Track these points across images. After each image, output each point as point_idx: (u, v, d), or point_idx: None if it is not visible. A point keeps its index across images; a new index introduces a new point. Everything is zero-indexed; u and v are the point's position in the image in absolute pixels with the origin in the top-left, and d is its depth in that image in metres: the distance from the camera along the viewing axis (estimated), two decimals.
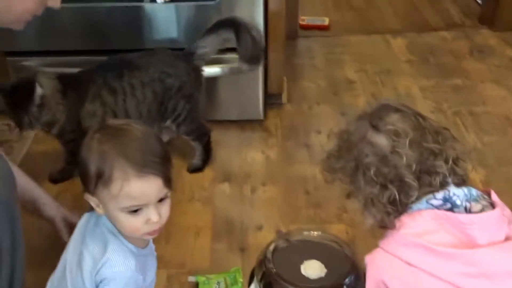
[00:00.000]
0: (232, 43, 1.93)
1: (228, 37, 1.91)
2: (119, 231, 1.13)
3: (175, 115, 1.90)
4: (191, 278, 1.56)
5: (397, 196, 1.05)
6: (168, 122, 1.92)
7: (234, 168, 2.05)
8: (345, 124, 1.18)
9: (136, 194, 1.06)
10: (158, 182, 1.07)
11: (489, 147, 2.13)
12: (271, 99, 2.37)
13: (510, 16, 2.93)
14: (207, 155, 2.03)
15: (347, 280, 1.48)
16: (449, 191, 1.05)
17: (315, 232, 1.64)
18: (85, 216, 1.21)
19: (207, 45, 1.93)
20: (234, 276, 1.56)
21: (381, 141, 1.07)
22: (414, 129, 1.07)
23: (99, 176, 1.05)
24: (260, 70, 2.18)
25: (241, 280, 1.55)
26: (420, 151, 1.05)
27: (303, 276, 1.50)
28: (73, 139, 1.82)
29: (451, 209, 1.04)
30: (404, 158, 1.04)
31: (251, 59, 1.94)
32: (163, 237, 1.70)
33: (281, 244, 1.59)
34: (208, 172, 2.02)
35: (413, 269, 1.00)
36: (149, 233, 1.13)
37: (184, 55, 1.93)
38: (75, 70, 1.91)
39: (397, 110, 1.10)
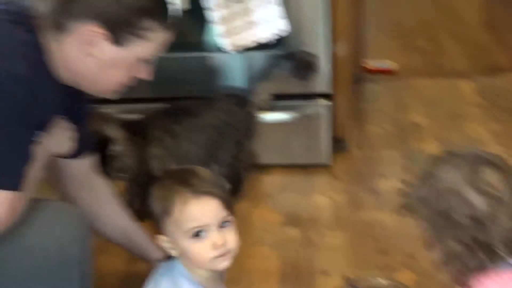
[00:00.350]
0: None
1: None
2: (191, 274, 1.20)
3: (221, 160, 1.95)
4: None
5: (484, 262, 1.01)
6: (213, 165, 1.96)
7: (301, 213, 2.08)
8: (432, 161, 1.11)
9: (196, 215, 1.16)
10: (215, 203, 1.17)
11: None
12: (337, 144, 2.40)
13: None
14: (235, 198, 2.01)
15: None
16: None
17: (383, 280, 1.64)
18: (161, 265, 1.28)
19: (262, 91, 2.00)
20: None
21: (479, 203, 1.00)
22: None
23: (164, 210, 1.17)
24: (327, 114, 2.22)
25: None
26: None
27: None
28: (144, 182, 1.91)
29: None
30: (501, 229, 1.00)
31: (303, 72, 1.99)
32: (233, 281, 1.74)
33: None
34: (275, 216, 2.07)
35: None
36: (218, 259, 1.19)
37: (240, 102, 2.00)
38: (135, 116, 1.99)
39: (494, 166, 1.04)
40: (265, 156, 2.31)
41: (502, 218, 1.00)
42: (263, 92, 2.00)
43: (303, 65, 2.00)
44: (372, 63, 3.16)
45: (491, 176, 1.02)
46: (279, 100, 2.19)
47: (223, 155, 1.96)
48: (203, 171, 1.25)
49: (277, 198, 2.17)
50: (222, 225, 1.19)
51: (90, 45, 1.17)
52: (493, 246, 1.00)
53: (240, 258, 1.87)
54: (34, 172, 1.23)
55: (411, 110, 2.71)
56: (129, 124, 1.93)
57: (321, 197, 2.16)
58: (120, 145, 1.85)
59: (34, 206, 1.23)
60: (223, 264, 1.20)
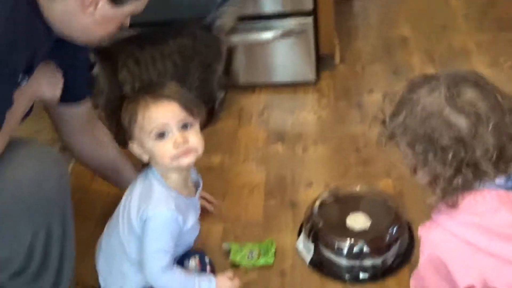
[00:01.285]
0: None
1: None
2: (163, 178, 1.33)
3: (189, 82, 2.00)
4: (225, 245, 1.66)
5: (470, 179, 1.02)
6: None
7: (286, 129, 2.14)
8: (408, 87, 1.10)
9: (156, 116, 1.27)
10: (174, 105, 1.28)
11: None
12: (323, 61, 2.42)
13: None
14: (209, 119, 2.09)
15: (390, 231, 1.56)
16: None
17: (363, 187, 1.72)
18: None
19: (225, 14, 2.02)
20: (267, 246, 1.65)
21: (461, 122, 1.00)
22: (494, 110, 1.01)
23: (130, 118, 1.29)
24: (311, 33, 2.23)
25: (273, 250, 1.63)
26: (500, 137, 1.00)
27: (348, 228, 1.60)
28: (117, 107, 1.97)
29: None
30: (484, 145, 1.00)
31: None
32: (220, 194, 1.83)
33: (328, 199, 1.69)
34: (261, 133, 2.12)
35: (472, 247, 1.01)
36: (180, 157, 1.29)
37: (204, 27, 2.02)
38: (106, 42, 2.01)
39: (476, 85, 1.04)
40: (251, 76, 2.35)
41: (484, 135, 1.00)
42: (228, 15, 2.02)
43: None
44: None
45: (469, 95, 1.02)
46: (263, 19, 2.21)
47: (190, 79, 2.01)
48: (169, 83, 1.36)
49: (263, 116, 2.22)
50: (183, 126, 1.29)
51: (91, 6, 1.19)
52: (478, 163, 1.00)
53: (226, 174, 1.97)
54: (16, 114, 1.26)
55: (398, 24, 2.70)
56: (100, 50, 1.97)
57: (307, 113, 2.21)
58: (95, 70, 1.90)
59: (11, 145, 1.23)
60: (185, 161, 1.30)
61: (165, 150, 1.28)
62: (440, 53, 2.42)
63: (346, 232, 1.58)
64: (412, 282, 1.17)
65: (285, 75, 2.33)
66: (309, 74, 2.32)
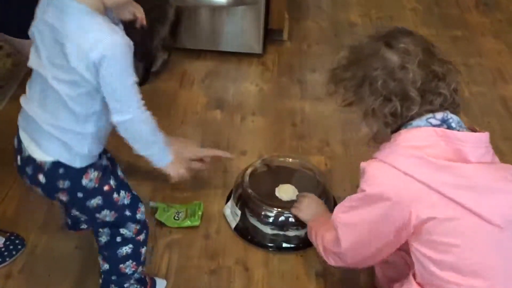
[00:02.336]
0: None
1: None
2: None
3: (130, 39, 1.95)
4: (152, 204, 1.65)
5: (399, 109, 1.11)
6: None
7: (227, 97, 2.13)
8: (357, 40, 1.22)
9: None
10: None
11: (476, 97, 2.19)
12: (272, 35, 2.43)
13: None
14: (145, 77, 2.11)
15: None
16: (447, 114, 1.12)
17: (292, 159, 1.74)
18: None
19: None
20: (194, 208, 1.65)
21: (392, 57, 1.12)
22: (424, 51, 1.12)
23: None
24: (262, 4, 2.22)
25: (199, 213, 1.64)
26: (426, 71, 1.11)
27: (277, 197, 1.62)
28: None
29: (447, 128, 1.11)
30: (411, 74, 1.10)
31: None
32: None
33: (259, 168, 1.70)
34: (202, 99, 2.11)
35: (408, 178, 1.07)
36: None
37: None
38: None
39: (410, 34, 1.16)
40: (198, 41, 2.33)
41: (412, 67, 1.10)
42: None
43: None
44: None
45: (404, 38, 1.14)
46: None
47: (132, 35, 1.96)
48: None
49: (206, 82, 2.20)
50: None
51: None
52: (406, 90, 1.10)
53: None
54: None
55: (349, 10, 2.73)
56: None
57: (249, 84, 2.21)
58: None
59: None
60: None
61: None
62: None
63: (274, 201, 1.60)
64: (339, 214, 1.23)
65: (232, 44, 2.32)
66: (255, 46, 2.32)
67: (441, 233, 1.07)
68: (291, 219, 1.55)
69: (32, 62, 1.16)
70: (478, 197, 1.06)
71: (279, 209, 1.56)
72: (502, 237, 1.07)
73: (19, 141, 1.22)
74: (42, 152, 1.18)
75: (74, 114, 1.14)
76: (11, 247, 1.51)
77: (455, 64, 1.17)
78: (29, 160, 1.20)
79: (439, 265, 1.08)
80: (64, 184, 1.20)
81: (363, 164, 1.16)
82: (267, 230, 1.57)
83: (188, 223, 1.62)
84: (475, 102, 2.15)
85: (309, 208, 1.51)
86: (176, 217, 1.63)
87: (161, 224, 1.60)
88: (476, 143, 1.10)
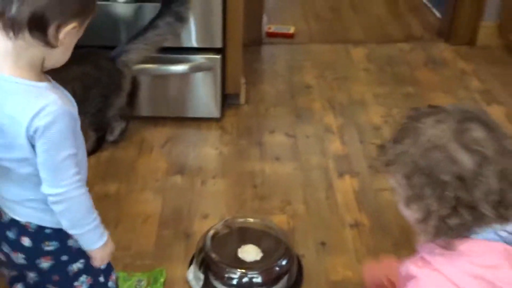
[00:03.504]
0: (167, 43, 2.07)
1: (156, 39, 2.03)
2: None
3: (85, 109, 1.95)
4: None
5: (468, 223, 0.95)
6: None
7: (187, 162, 2.14)
8: (413, 114, 1.03)
9: None
10: None
11: None
12: (229, 100, 2.47)
13: (464, 31, 3.07)
14: (97, 146, 2.13)
15: (280, 263, 1.59)
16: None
17: (253, 219, 1.74)
18: None
19: (133, 50, 2.04)
20: (156, 276, 1.62)
21: (465, 160, 0.93)
22: (502, 154, 0.95)
23: None
24: (218, 70, 2.28)
25: (162, 280, 1.61)
26: (503, 180, 0.94)
27: (240, 259, 1.60)
28: None
29: None
30: (487, 186, 0.93)
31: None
32: (113, 222, 1.79)
33: (221, 230, 1.69)
34: (162, 165, 2.11)
35: None
36: None
37: (111, 58, 2.03)
38: None
39: (481, 122, 0.97)
40: (156, 108, 2.36)
41: (489, 178, 0.93)
42: (136, 52, 2.04)
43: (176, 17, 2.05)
44: (274, 28, 3.26)
45: (478, 133, 0.96)
46: (173, 52, 2.24)
47: (87, 107, 1.99)
48: None
49: (165, 148, 2.21)
50: None
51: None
52: (477, 205, 0.94)
53: (121, 202, 1.93)
54: None
55: (304, 72, 2.82)
56: None
57: (209, 148, 2.23)
58: None
59: None
60: None
61: None
62: (340, 101, 2.55)
63: (237, 263, 1.58)
64: None
65: (190, 110, 2.36)
66: (214, 111, 2.36)
67: None
68: (255, 280, 1.54)
69: None
70: None
71: (243, 271, 1.55)
72: None
73: None
74: (22, 215, 1.14)
75: (32, 183, 1.11)
76: None
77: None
78: (11, 223, 1.15)
79: None
80: (50, 245, 1.15)
81: (412, 268, 0.99)
82: None
83: None
84: None
85: None
86: (137, 286, 1.59)
87: None
88: None
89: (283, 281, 1.58)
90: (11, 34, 1.02)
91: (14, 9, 0.99)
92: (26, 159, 1.08)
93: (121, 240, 1.72)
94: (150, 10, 2.12)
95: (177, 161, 2.14)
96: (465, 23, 3.07)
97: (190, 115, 2.36)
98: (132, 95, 2.22)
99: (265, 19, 3.18)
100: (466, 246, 0.96)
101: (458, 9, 3.04)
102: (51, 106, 1.04)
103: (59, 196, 1.09)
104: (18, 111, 1.04)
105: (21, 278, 1.30)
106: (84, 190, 1.11)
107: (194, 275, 1.61)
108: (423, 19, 3.49)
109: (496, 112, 2.50)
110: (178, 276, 1.65)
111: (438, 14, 3.42)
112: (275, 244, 1.64)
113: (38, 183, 1.09)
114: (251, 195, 1.98)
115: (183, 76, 2.28)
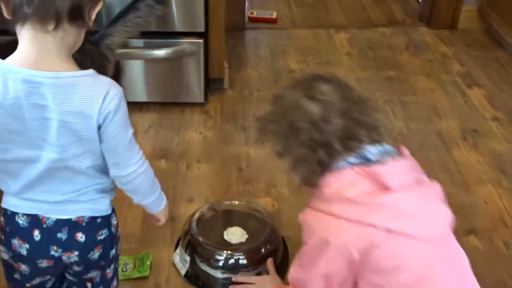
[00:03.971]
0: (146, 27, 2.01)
1: (137, 20, 2.01)
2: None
3: None
4: None
5: (324, 159, 1.15)
6: None
7: (171, 146, 2.14)
8: (279, 91, 1.27)
9: None
10: None
11: (413, 132, 2.28)
12: (213, 84, 2.47)
13: (445, 15, 3.10)
14: None
15: (265, 244, 1.60)
16: (365, 150, 1.16)
17: (238, 202, 1.75)
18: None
19: (115, 33, 2.02)
20: (142, 258, 1.63)
21: (314, 109, 1.15)
22: (345, 99, 1.16)
23: None
24: (201, 55, 2.28)
25: (148, 263, 1.62)
26: (347, 121, 1.15)
27: (226, 241, 1.61)
28: None
29: (366, 164, 1.15)
30: (333, 126, 1.14)
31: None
32: None
33: (206, 213, 1.70)
34: (145, 150, 2.08)
35: (340, 220, 1.12)
36: None
37: (94, 42, 2.01)
38: None
39: (329, 81, 1.20)
40: (141, 93, 2.35)
41: (334, 119, 1.14)
42: (119, 34, 2.02)
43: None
44: (257, 13, 3.26)
45: (323, 87, 1.18)
46: (156, 37, 2.22)
47: None
48: None
49: (149, 133, 2.21)
50: None
51: None
52: (330, 143, 1.14)
53: None
54: None
55: (287, 57, 2.82)
56: None
57: (193, 133, 2.23)
58: None
59: None
60: None
61: None
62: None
63: (223, 245, 1.59)
64: (295, 272, 1.25)
65: (174, 95, 2.35)
66: (197, 96, 2.35)
67: (382, 259, 1.11)
68: (241, 261, 1.55)
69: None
70: (407, 221, 1.12)
71: (229, 252, 1.56)
72: (439, 251, 1.14)
73: (30, 219, 1.12)
74: (73, 212, 1.12)
75: (86, 174, 1.10)
76: None
77: (374, 100, 1.25)
78: (60, 224, 1.11)
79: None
80: (102, 234, 1.15)
81: (300, 216, 1.21)
82: (218, 274, 1.56)
83: (137, 274, 1.59)
84: (414, 137, 2.24)
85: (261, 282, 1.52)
86: (124, 269, 1.59)
87: None
88: (396, 170, 1.14)
89: None
90: (52, 27, 1.00)
91: (56, 2, 0.98)
92: (89, 150, 1.07)
93: None
94: None
95: (161, 145, 2.14)
96: (446, 7, 3.09)
97: (174, 100, 2.35)
98: (116, 80, 2.20)
99: (247, 4, 3.18)
100: (326, 180, 1.15)
101: None
102: (112, 89, 1.05)
103: (133, 174, 1.12)
104: (84, 104, 1.02)
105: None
106: (147, 162, 1.15)
107: (180, 257, 1.62)
108: (404, 3, 3.51)
109: (476, 95, 2.54)
110: (164, 259, 1.66)
111: None
112: (260, 226, 1.65)
113: (93, 173, 1.10)
114: (236, 179, 1.99)
115: (166, 61, 2.27)
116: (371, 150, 1.16)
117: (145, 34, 2.14)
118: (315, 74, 1.28)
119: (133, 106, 2.32)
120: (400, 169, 1.15)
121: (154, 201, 1.22)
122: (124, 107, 1.06)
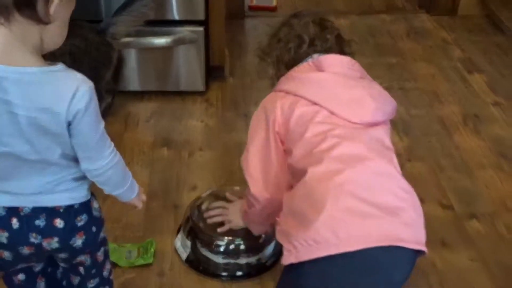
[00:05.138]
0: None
1: (143, 9, 2.01)
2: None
3: None
4: None
5: (294, 49, 1.42)
6: None
7: (174, 135, 2.14)
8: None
9: None
10: None
11: (415, 119, 2.27)
12: (214, 73, 2.46)
13: (445, 1, 3.08)
14: None
15: None
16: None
17: (239, 188, 1.74)
18: None
19: (120, 23, 2.01)
20: (146, 246, 1.64)
21: (295, 20, 1.46)
22: (316, 22, 1.45)
23: None
24: (202, 43, 2.27)
25: (152, 250, 1.62)
26: (318, 28, 1.43)
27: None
28: None
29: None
30: (307, 27, 1.42)
31: None
32: (102, 195, 1.76)
33: (208, 199, 1.70)
34: (148, 139, 2.11)
35: (280, 93, 1.36)
36: None
37: (98, 31, 2.00)
38: None
39: (314, 14, 1.48)
40: (141, 82, 2.34)
41: (309, 25, 1.43)
42: (123, 23, 2.02)
43: None
44: (256, 1, 3.24)
45: (306, 15, 1.48)
46: (156, 26, 2.21)
47: None
48: None
49: (151, 122, 2.21)
50: None
51: None
52: (302, 37, 1.42)
53: None
54: None
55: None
56: None
57: (194, 121, 2.23)
58: None
59: None
60: None
61: None
62: None
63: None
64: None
65: (175, 83, 2.34)
66: (198, 84, 2.35)
67: (296, 120, 1.29)
68: (242, 246, 1.56)
69: None
70: (330, 97, 1.28)
71: (230, 238, 1.56)
72: (356, 130, 1.26)
73: (7, 209, 1.11)
74: (49, 201, 1.11)
75: (59, 165, 1.10)
76: None
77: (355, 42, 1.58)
78: (37, 212, 1.11)
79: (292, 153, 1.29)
80: (81, 219, 1.14)
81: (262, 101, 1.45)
82: (219, 259, 1.56)
83: (141, 261, 1.60)
84: (415, 123, 2.24)
85: (236, 213, 1.56)
86: (128, 256, 1.60)
87: (113, 264, 1.56)
88: (336, 59, 1.37)
89: (269, 247, 1.60)
90: (2, 19, 0.97)
91: None
92: (60, 143, 1.05)
93: (111, 213, 1.72)
94: None
95: (163, 134, 2.14)
96: None
97: (175, 88, 2.35)
98: (117, 69, 2.20)
99: None
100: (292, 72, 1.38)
101: None
102: (83, 85, 1.02)
103: (104, 167, 1.10)
104: (52, 100, 1.00)
105: (29, 282, 1.28)
106: (119, 154, 1.13)
107: (181, 243, 1.62)
108: None
109: (477, 80, 2.53)
110: (169, 247, 1.66)
111: None
112: None
113: (67, 163, 1.09)
114: (239, 166, 1.96)
115: (167, 49, 2.26)
116: (327, 55, 1.37)
117: (144, 23, 2.14)
118: (308, 10, 1.61)
119: (134, 96, 2.32)
120: (338, 61, 1.37)
121: (125, 191, 1.21)
122: (94, 103, 1.04)
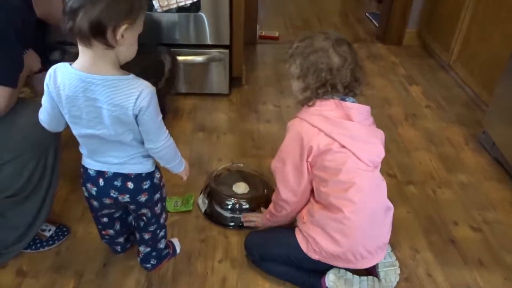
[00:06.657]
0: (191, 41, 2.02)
1: None
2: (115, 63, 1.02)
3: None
4: None
5: (328, 93, 1.18)
6: None
7: (207, 123, 2.11)
8: (310, 34, 1.24)
9: None
10: None
11: (372, 116, 2.22)
12: (234, 81, 2.43)
13: (394, 35, 3.02)
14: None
15: (262, 194, 1.57)
16: (347, 96, 1.21)
17: (244, 165, 1.71)
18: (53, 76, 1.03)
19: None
20: (187, 198, 1.62)
21: (335, 58, 1.17)
22: (353, 61, 1.19)
23: None
24: (227, 60, 2.23)
25: (191, 201, 1.60)
26: (352, 74, 1.19)
27: (233, 191, 1.59)
28: None
29: (342, 101, 1.20)
30: (343, 76, 1.18)
31: None
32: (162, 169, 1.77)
33: (222, 172, 1.67)
34: (189, 125, 2.09)
35: (314, 128, 1.17)
36: None
37: (166, 51, 1.97)
38: None
39: (349, 44, 1.22)
40: (186, 86, 2.31)
41: (345, 71, 1.18)
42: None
43: None
44: (264, 32, 3.18)
45: (345, 48, 1.20)
46: (196, 48, 2.18)
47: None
48: None
49: (191, 114, 2.18)
50: None
51: None
52: (336, 84, 1.18)
53: None
54: (21, 79, 1.17)
55: (286, 63, 2.75)
56: None
57: (221, 114, 2.20)
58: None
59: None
60: None
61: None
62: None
63: (232, 194, 1.57)
64: (274, 162, 1.28)
65: (208, 88, 2.31)
66: (224, 89, 2.31)
67: (329, 161, 1.17)
68: (244, 206, 1.53)
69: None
70: (355, 143, 1.17)
71: (235, 199, 1.54)
72: (369, 172, 1.19)
73: (96, 171, 1.13)
74: (126, 169, 1.13)
75: (131, 145, 1.10)
76: (59, 233, 1.45)
77: (364, 68, 1.24)
78: (116, 175, 1.12)
79: (324, 184, 1.20)
80: (145, 184, 1.15)
81: (288, 123, 1.23)
82: (227, 214, 1.54)
83: (183, 208, 1.59)
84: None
85: (258, 216, 1.49)
86: (175, 205, 1.59)
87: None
88: (359, 110, 1.20)
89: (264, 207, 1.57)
90: (87, 44, 0.95)
91: (77, 24, 0.92)
92: (131, 129, 1.05)
93: (164, 176, 1.70)
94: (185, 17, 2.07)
95: (199, 123, 2.11)
96: (395, 29, 3.01)
97: (208, 91, 2.32)
98: (171, 80, 2.16)
99: (258, 26, 3.10)
100: (316, 103, 1.19)
101: (390, 20, 2.98)
102: (145, 90, 1.00)
103: (160, 147, 1.09)
104: (124, 99, 1.00)
105: (110, 223, 1.28)
106: (172, 139, 1.12)
107: (202, 200, 1.61)
108: (366, 27, 3.42)
109: (415, 90, 2.49)
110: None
111: (376, 24, 3.35)
112: (257, 182, 1.63)
113: (136, 144, 1.09)
114: (250, 146, 1.97)
115: (203, 64, 2.23)
116: (350, 98, 1.21)
117: (187, 46, 2.11)
118: (340, 35, 1.23)
119: (181, 96, 2.29)
120: (362, 111, 1.21)
121: (175, 165, 1.19)
122: (154, 102, 1.03)
